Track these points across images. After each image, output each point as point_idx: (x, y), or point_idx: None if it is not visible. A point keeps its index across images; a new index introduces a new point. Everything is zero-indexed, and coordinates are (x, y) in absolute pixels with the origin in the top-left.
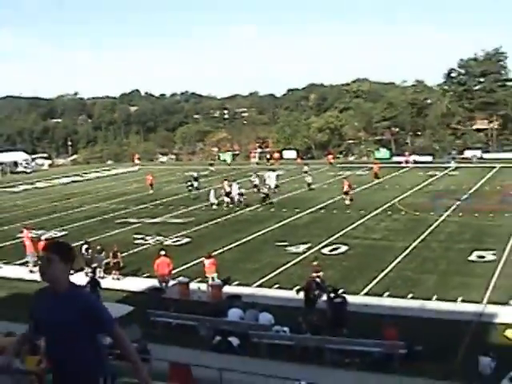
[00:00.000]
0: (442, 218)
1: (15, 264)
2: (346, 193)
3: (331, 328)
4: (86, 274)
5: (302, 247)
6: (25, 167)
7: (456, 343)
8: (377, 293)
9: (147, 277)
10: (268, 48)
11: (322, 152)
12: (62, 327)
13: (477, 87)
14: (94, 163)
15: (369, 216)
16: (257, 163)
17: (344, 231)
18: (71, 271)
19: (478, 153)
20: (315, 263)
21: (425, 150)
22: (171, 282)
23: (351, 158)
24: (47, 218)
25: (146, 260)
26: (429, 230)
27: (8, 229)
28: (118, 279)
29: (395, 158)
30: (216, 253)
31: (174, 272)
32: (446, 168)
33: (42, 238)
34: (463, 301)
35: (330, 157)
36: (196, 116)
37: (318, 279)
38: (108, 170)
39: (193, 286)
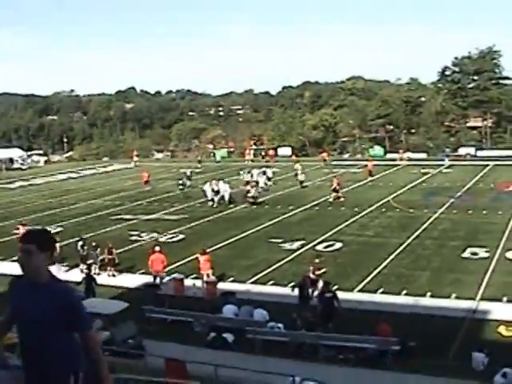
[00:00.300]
0: (436, 215)
1: (12, 260)
2: (335, 190)
3: (320, 322)
4: (82, 271)
5: (297, 244)
6: (21, 164)
7: (449, 339)
8: (371, 289)
9: (142, 273)
10: (263, 46)
11: (317, 149)
12: (38, 319)
13: (471, 85)
14: (90, 160)
15: (363, 213)
16: (252, 160)
17: (338, 228)
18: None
19: (472, 150)
20: (317, 261)
21: (419, 147)
22: (166, 278)
23: (346, 156)
24: (43, 214)
25: (141, 256)
26: (422, 227)
27: (3, 225)
28: (114, 276)
29: (389, 156)
30: (210, 249)
31: (169, 268)
32: (440, 166)
33: None
34: (457, 297)
35: (324, 154)
36: (191, 113)
37: (312, 277)
38: (104, 167)
39: (188, 282)
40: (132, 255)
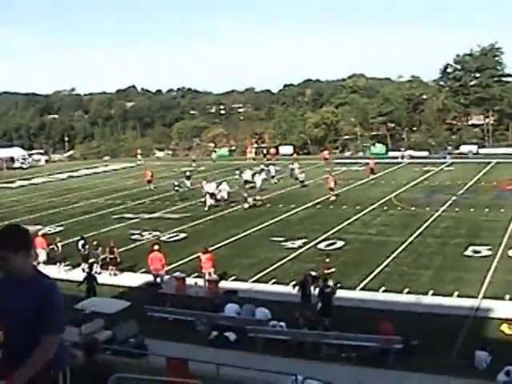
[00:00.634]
0: (438, 213)
1: None
2: (331, 189)
3: (318, 317)
4: (83, 270)
5: (299, 242)
6: (21, 163)
7: (452, 338)
8: (373, 288)
9: (144, 272)
10: (264, 44)
11: (319, 147)
12: (22, 314)
13: (472, 83)
14: (91, 159)
15: (365, 211)
16: (253, 159)
17: (340, 226)
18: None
19: (474, 148)
20: (327, 260)
21: (421, 145)
22: (166, 277)
23: (347, 154)
24: (44, 213)
25: (142, 255)
26: (425, 225)
27: (3, 225)
28: (115, 275)
29: (391, 154)
30: (212, 248)
31: (170, 267)
32: (441, 163)
33: (39, 233)
34: (459, 296)
35: (325, 152)
36: (192, 112)
37: (313, 274)
38: (105, 166)
39: (189, 281)
40: (133, 254)
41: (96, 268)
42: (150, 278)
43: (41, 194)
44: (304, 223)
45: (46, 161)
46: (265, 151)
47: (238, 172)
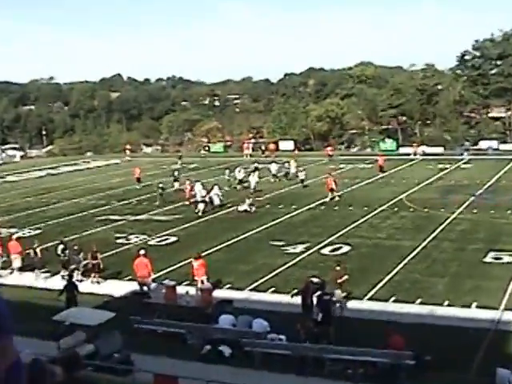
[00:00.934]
0: (454, 215)
1: None
2: (332, 189)
3: (320, 329)
4: (63, 277)
5: (300, 247)
6: None
7: (470, 353)
8: (382, 297)
9: (130, 280)
10: (263, 28)
11: (322, 143)
12: None
13: (493, 71)
14: (72, 155)
15: (373, 213)
16: (250, 155)
17: (346, 230)
18: None
19: (494, 144)
20: (338, 268)
21: (435, 140)
22: (153, 285)
23: (354, 150)
24: (19, 214)
25: (128, 261)
26: (439, 228)
27: None
28: (98, 282)
29: (402, 150)
30: (206, 253)
31: (160, 274)
32: (458, 160)
33: (14, 237)
34: (478, 307)
35: (329, 149)
36: (184, 103)
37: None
38: (87, 163)
39: (180, 289)
40: (118, 260)
41: (77, 275)
42: (136, 286)
43: (16, 194)
44: (306, 226)
45: (22, 157)
46: (263, 147)
47: (227, 172)
